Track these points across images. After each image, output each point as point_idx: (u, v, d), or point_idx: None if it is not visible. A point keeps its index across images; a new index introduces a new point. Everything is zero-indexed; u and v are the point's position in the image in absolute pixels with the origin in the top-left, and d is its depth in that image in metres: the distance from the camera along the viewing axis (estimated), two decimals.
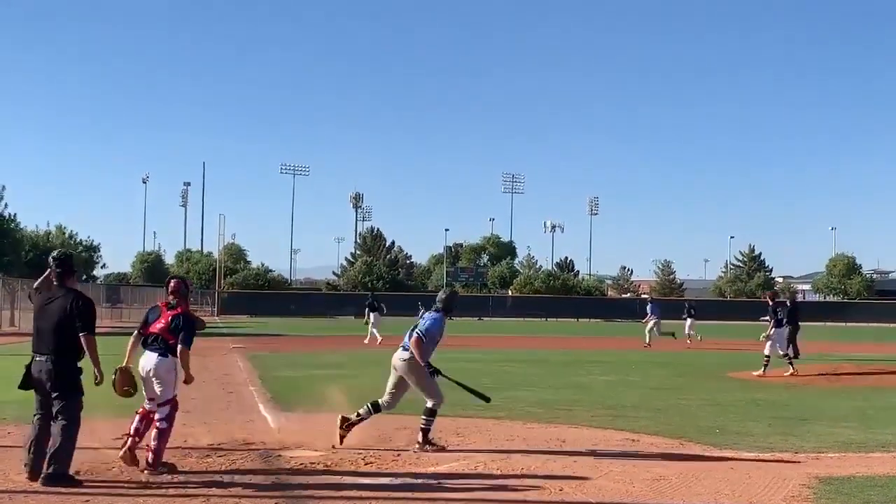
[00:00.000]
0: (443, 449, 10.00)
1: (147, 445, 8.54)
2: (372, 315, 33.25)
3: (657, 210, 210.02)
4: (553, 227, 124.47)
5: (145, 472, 8.38)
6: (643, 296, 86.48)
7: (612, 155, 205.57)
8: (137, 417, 8.73)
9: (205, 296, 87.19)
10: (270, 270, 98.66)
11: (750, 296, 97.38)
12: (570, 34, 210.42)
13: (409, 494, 7.69)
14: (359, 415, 10.19)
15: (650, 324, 34.41)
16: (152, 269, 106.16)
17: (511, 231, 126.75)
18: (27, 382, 8.01)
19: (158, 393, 8.64)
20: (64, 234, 63.42)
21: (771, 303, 21.97)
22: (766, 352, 21.01)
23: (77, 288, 8.34)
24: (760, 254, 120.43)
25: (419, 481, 8.20)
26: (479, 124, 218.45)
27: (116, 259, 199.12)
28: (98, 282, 75.07)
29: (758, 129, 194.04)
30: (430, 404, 10.20)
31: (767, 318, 21.72)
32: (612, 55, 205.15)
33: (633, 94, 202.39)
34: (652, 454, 9.87)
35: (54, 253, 8.43)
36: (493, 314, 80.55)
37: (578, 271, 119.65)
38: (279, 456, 9.35)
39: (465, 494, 7.73)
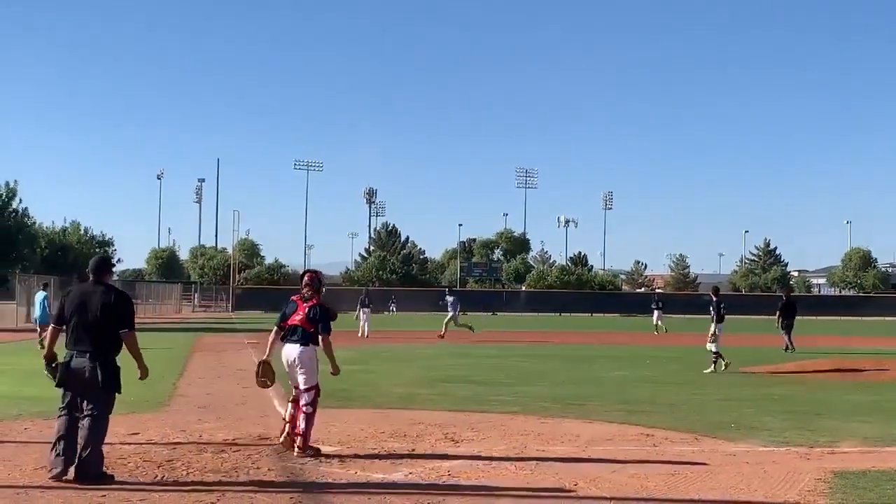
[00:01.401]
0: None
1: (296, 431, 9.19)
2: (363, 311, 34.56)
3: (671, 204, 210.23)
4: (567, 221, 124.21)
5: (296, 454, 9.00)
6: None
7: (626, 150, 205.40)
8: (290, 406, 9.39)
9: (219, 291, 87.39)
10: (284, 266, 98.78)
11: (765, 290, 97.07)
12: (584, 31, 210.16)
13: (423, 489, 7.69)
14: None
15: (449, 315, 34.26)
16: (167, 264, 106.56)
17: (525, 226, 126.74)
18: (63, 380, 7.82)
19: (302, 380, 9.25)
20: (79, 230, 63.52)
21: (714, 298, 21.30)
22: (713, 348, 20.35)
23: (111, 283, 8.31)
24: (776, 248, 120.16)
25: (433, 476, 8.20)
26: (493, 119, 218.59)
27: (131, 255, 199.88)
28: (113, 278, 75.26)
29: (773, 124, 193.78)
30: None
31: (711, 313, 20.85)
32: (627, 52, 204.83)
33: (647, 89, 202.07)
34: (667, 449, 9.85)
35: (91, 262, 8.39)
36: (506, 309, 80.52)
37: (592, 266, 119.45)
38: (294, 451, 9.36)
39: (479, 489, 7.73)
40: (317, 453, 9.11)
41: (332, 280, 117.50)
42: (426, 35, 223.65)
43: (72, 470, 7.63)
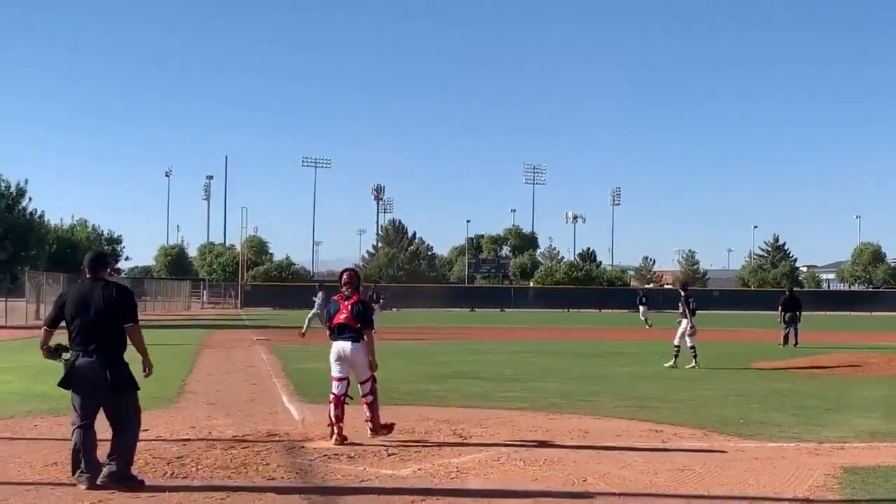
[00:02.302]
0: None
1: (365, 419, 9.92)
2: (373, 307, 34.35)
3: (680, 200, 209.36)
4: (575, 217, 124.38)
5: (370, 436, 9.84)
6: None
7: (634, 145, 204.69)
8: (332, 406, 9.78)
9: (228, 288, 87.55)
10: (293, 263, 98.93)
11: (774, 285, 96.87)
12: (592, 25, 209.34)
13: (431, 485, 7.70)
14: None
15: (312, 311, 32.71)
16: (176, 262, 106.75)
17: (533, 222, 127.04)
18: (69, 382, 7.51)
19: (359, 374, 9.90)
20: (87, 227, 63.69)
21: (683, 293, 20.94)
22: (677, 342, 20.23)
23: (109, 278, 7.94)
24: (784, 243, 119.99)
25: (442, 472, 8.21)
26: (501, 115, 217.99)
27: (140, 252, 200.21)
28: (122, 275, 75.53)
29: (781, 119, 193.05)
30: None
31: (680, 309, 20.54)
32: (635, 47, 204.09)
33: (656, 84, 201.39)
34: (676, 445, 9.84)
35: (86, 258, 7.98)
36: (515, 305, 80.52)
37: (601, 262, 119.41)
38: (303, 447, 9.38)
39: (488, 485, 7.73)
40: (391, 429, 9.93)
41: None
42: (432, 31, 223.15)
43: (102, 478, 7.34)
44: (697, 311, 20.74)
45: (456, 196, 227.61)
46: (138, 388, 7.68)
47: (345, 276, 10.10)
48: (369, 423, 9.88)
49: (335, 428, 9.66)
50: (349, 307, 9.81)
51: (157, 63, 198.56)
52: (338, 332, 9.85)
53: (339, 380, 9.88)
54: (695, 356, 19.87)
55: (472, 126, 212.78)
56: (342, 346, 9.82)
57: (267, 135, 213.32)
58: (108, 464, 7.36)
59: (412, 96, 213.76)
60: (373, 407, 9.88)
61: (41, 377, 15.09)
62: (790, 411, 12.72)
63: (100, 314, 7.49)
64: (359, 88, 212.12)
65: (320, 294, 32.99)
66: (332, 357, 9.90)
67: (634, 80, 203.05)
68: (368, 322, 9.88)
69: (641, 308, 44.68)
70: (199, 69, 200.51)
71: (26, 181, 45.66)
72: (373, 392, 9.90)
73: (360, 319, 9.80)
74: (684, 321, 20.22)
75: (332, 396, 9.83)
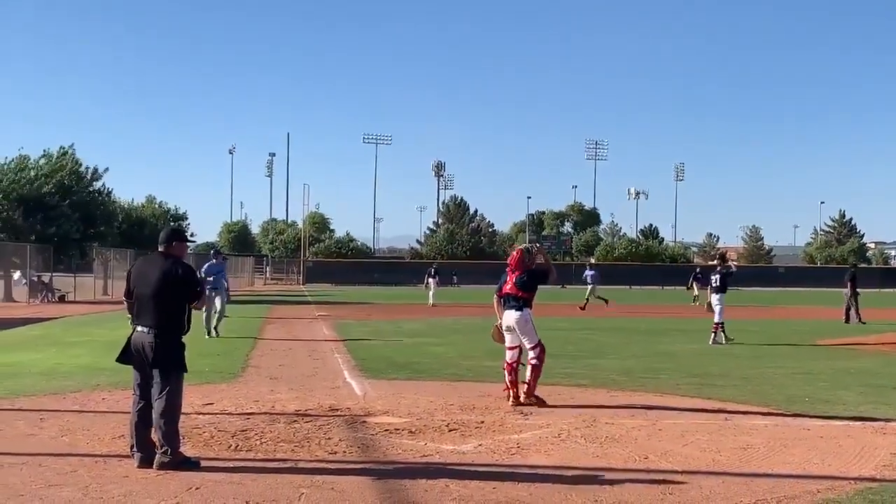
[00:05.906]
0: None
1: (523, 381, 10.68)
2: (431, 282, 38.40)
3: (745, 176, 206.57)
4: (637, 193, 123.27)
5: (521, 399, 10.53)
6: None
7: (698, 120, 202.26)
8: (506, 373, 10.79)
9: (290, 264, 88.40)
10: (354, 239, 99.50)
11: (841, 262, 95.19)
12: (653, 1, 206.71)
13: (491, 461, 7.71)
14: None
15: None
16: (239, 238, 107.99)
17: (594, 198, 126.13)
18: (126, 356, 7.44)
19: (527, 342, 10.72)
20: (153, 204, 64.70)
21: (720, 266, 20.97)
22: (717, 318, 20.16)
23: (180, 255, 7.70)
24: (851, 219, 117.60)
25: (503, 448, 8.22)
26: (562, 90, 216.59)
27: (204, 229, 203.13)
28: (187, 251, 76.75)
29: (846, 94, 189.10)
30: None
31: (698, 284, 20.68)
32: (697, 21, 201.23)
33: (719, 60, 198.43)
34: (739, 423, 9.73)
35: (162, 232, 7.79)
36: (576, 282, 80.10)
37: (663, 238, 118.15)
38: (364, 422, 9.45)
39: (548, 461, 7.72)
40: (541, 403, 10.50)
41: (401, 253, 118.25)
42: (495, 6, 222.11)
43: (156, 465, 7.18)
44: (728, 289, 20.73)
45: (517, 172, 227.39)
46: (185, 371, 7.48)
47: (513, 254, 11.11)
48: (525, 386, 10.59)
49: (510, 392, 10.65)
50: (514, 278, 10.75)
51: (220, 43, 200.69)
52: (505, 302, 10.81)
53: (511, 348, 10.83)
54: (720, 331, 20.09)
55: (533, 102, 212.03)
56: (508, 315, 10.72)
57: (328, 112, 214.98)
58: (160, 452, 7.20)
59: (473, 73, 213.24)
60: (535, 372, 10.61)
61: (109, 351, 15.36)
62: (856, 389, 12.51)
63: (157, 290, 7.31)
64: (420, 66, 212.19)
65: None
66: (504, 326, 10.83)
67: (697, 54, 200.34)
68: (544, 280, 10.90)
69: (696, 285, 43.91)
70: (260, 48, 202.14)
71: (106, 169, 46.76)
72: (539, 358, 10.64)
73: (523, 289, 10.68)
74: (714, 296, 20.35)
75: (505, 363, 10.82)
